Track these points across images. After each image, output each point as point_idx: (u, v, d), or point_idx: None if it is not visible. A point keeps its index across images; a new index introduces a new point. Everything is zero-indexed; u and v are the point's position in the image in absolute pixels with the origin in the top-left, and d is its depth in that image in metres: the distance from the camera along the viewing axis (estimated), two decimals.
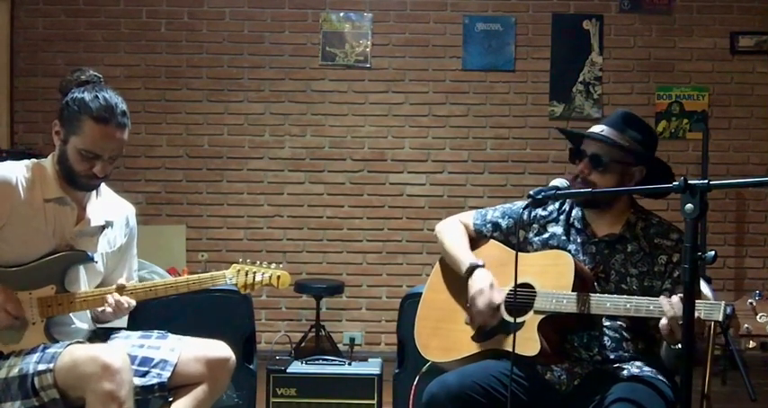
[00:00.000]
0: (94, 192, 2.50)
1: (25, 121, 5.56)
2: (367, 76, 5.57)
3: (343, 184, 5.58)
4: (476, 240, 2.63)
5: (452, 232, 2.64)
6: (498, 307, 2.38)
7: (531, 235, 2.55)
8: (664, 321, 2.10)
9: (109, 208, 2.55)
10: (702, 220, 3.26)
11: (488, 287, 2.40)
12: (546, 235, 2.52)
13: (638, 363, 2.34)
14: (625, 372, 2.31)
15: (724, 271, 5.53)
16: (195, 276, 2.53)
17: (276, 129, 5.57)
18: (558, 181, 2.31)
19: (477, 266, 2.47)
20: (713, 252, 1.85)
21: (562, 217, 2.53)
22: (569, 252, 2.43)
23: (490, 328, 2.41)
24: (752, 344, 1.98)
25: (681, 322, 2.00)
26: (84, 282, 2.47)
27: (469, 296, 2.44)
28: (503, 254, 2.51)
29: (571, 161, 2.47)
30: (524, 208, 2.41)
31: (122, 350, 2.32)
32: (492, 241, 2.61)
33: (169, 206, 5.57)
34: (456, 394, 2.24)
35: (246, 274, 2.54)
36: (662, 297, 2.14)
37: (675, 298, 2.08)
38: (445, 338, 2.52)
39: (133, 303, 2.44)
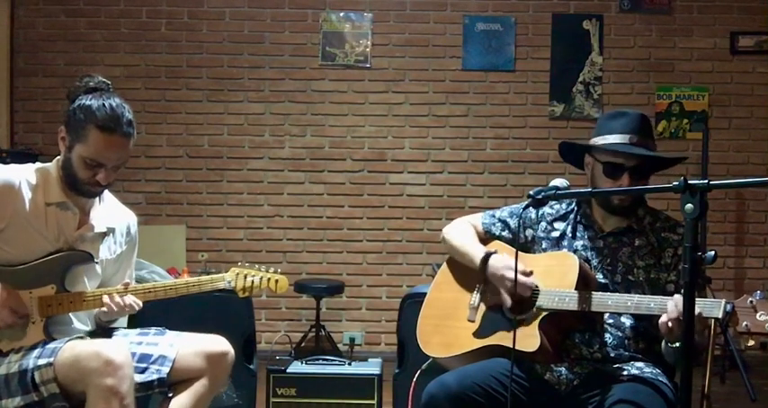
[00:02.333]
0: (97, 198, 2.51)
1: (25, 121, 5.56)
2: (367, 76, 5.57)
3: (343, 184, 5.58)
4: (483, 241, 2.63)
5: (461, 230, 2.65)
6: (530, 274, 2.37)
7: (538, 233, 2.56)
8: (664, 318, 2.11)
9: (111, 216, 2.55)
10: (702, 220, 3.26)
11: (512, 263, 2.38)
12: (555, 234, 2.53)
13: (638, 364, 2.34)
14: (625, 373, 2.32)
15: (724, 271, 5.53)
16: (195, 278, 2.54)
17: (276, 129, 5.57)
18: (558, 181, 2.31)
19: (493, 253, 2.48)
20: (713, 252, 1.86)
21: (570, 215, 2.53)
22: (577, 248, 2.45)
23: (492, 325, 2.41)
24: (751, 342, 1.99)
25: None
26: (84, 283, 2.47)
27: (497, 276, 2.41)
28: (508, 254, 2.50)
29: (608, 175, 2.39)
30: (524, 209, 2.42)
31: (124, 345, 2.33)
32: (497, 241, 2.61)
33: (169, 206, 5.57)
34: (455, 395, 2.25)
35: (245, 277, 2.56)
36: (669, 299, 2.13)
37: (678, 297, 2.09)
38: (446, 334, 2.52)
39: (140, 303, 2.45)
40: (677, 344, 2.13)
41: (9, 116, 5.52)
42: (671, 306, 2.10)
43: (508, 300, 2.41)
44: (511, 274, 2.36)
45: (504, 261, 2.44)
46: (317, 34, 5.56)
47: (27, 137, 5.51)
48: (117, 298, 2.41)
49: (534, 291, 2.36)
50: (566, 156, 2.60)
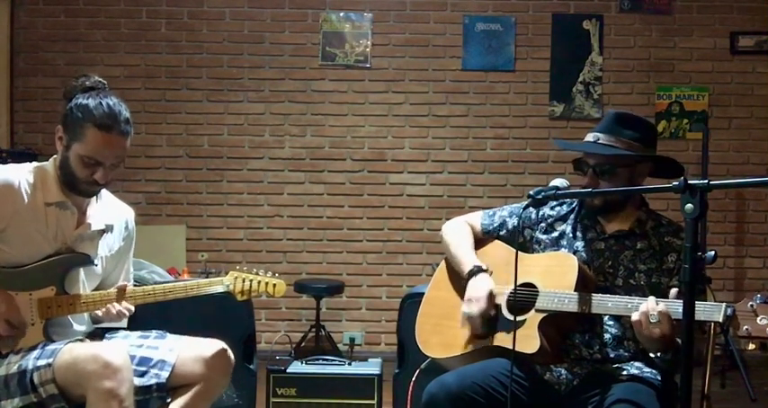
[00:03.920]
0: (95, 196, 2.51)
1: (25, 121, 5.56)
2: (367, 76, 5.57)
3: (343, 184, 5.58)
4: (482, 240, 2.63)
5: (457, 233, 2.64)
6: (493, 316, 2.40)
7: (538, 233, 2.56)
8: (635, 317, 2.11)
9: (109, 212, 2.55)
10: (702, 220, 3.26)
11: (486, 296, 2.41)
12: (555, 234, 2.53)
13: (637, 364, 2.34)
14: (625, 373, 2.32)
15: (724, 271, 5.53)
16: (193, 282, 2.56)
17: (276, 129, 5.57)
18: (558, 181, 2.31)
19: (481, 270, 2.48)
20: (713, 252, 1.86)
21: (571, 215, 2.53)
22: (578, 249, 2.45)
23: (489, 327, 2.41)
24: (751, 346, 1.98)
25: (652, 320, 2.06)
26: (83, 284, 2.48)
27: (465, 298, 2.45)
28: (508, 254, 2.51)
29: (576, 171, 2.46)
30: (524, 209, 2.42)
31: (123, 347, 2.33)
32: (497, 241, 2.61)
33: (169, 206, 5.57)
34: (455, 395, 2.25)
35: (244, 281, 2.58)
36: (651, 298, 2.14)
37: (652, 302, 2.10)
38: (446, 334, 2.52)
39: (132, 308, 2.47)
40: (659, 354, 2.14)
41: (9, 116, 5.52)
42: (643, 305, 2.11)
43: (464, 324, 2.43)
44: (472, 307, 2.40)
45: (477, 289, 2.44)
46: (316, 34, 5.56)
47: (27, 137, 5.51)
48: (111, 310, 2.42)
49: (534, 292, 2.36)
50: None
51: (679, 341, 2.03)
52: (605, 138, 2.39)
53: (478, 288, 2.43)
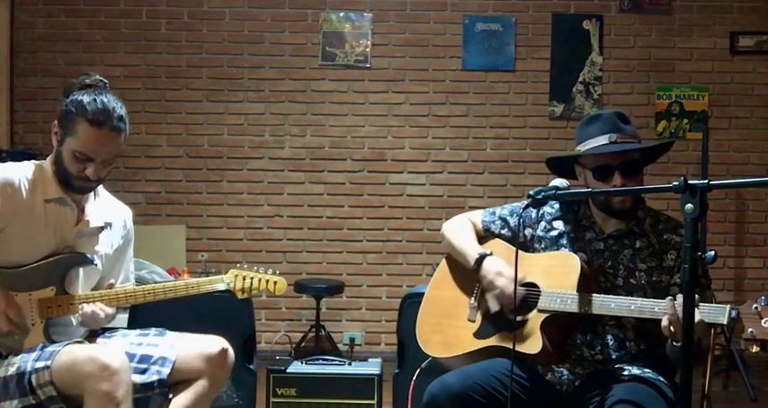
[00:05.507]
0: (92, 194, 2.51)
1: (25, 121, 5.56)
2: (367, 76, 5.57)
3: (343, 184, 5.58)
4: (482, 239, 2.63)
5: (459, 227, 2.64)
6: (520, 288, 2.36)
7: (538, 232, 2.55)
8: (665, 322, 2.10)
9: (107, 210, 2.56)
10: (702, 220, 3.26)
11: (506, 269, 2.39)
12: (554, 233, 2.52)
13: (639, 364, 2.34)
14: (626, 373, 2.31)
15: (724, 271, 5.52)
16: (194, 280, 2.56)
17: (276, 129, 5.57)
18: (558, 181, 2.30)
19: (487, 255, 2.47)
20: (713, 252, 1.85)
21: (570, 215, 2.53)
22: (577, 249, 2.44)
23: (493, 325, 2.41)
24: (755, 349, 1.96)
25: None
26: (81, 283, 2.47)
27: (486, 280, 2.42)
28: (508, 253, 2.50)
29: (600, 179, 2.37)
30: (524, 209, 2.42)
31: (121, 350, 2.33)
32: (497, 240, 2.61)
33: (169, 206, 5.57)
34: (456, 395, 2.25)
35: (244, 279, 2.57)
36: (668, 298, 2.13)
37: (681, 300, 2.08)
38: (446, 334, 2.52)
39: (108, 311, 2.42)
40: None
41: (9, 116, 5.52)
42: (669, 306, 2.09)
43: (495, 306, 2.40)
44: (500, 281, 2.37)
45: (496, 265, 2.43)
46: (316, 34, 5.56)
47: (27, 137, 5.51)
48: (99, 313, 2.39)
49: (535, 292, 2.36)
50: (556, 170, 2.57)
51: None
52: (622, 137, 2.36)
53: (496, 266, 2.41)
